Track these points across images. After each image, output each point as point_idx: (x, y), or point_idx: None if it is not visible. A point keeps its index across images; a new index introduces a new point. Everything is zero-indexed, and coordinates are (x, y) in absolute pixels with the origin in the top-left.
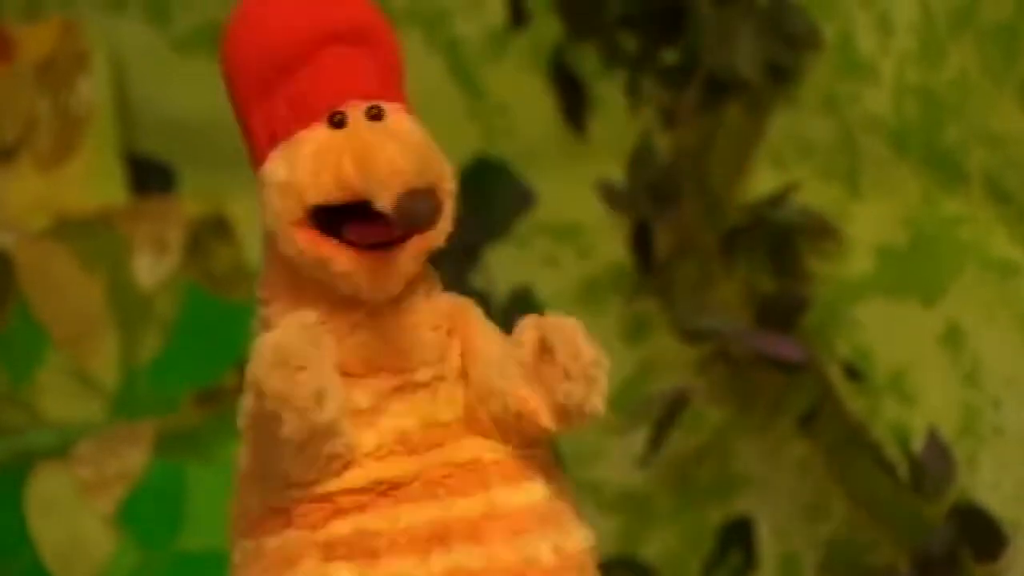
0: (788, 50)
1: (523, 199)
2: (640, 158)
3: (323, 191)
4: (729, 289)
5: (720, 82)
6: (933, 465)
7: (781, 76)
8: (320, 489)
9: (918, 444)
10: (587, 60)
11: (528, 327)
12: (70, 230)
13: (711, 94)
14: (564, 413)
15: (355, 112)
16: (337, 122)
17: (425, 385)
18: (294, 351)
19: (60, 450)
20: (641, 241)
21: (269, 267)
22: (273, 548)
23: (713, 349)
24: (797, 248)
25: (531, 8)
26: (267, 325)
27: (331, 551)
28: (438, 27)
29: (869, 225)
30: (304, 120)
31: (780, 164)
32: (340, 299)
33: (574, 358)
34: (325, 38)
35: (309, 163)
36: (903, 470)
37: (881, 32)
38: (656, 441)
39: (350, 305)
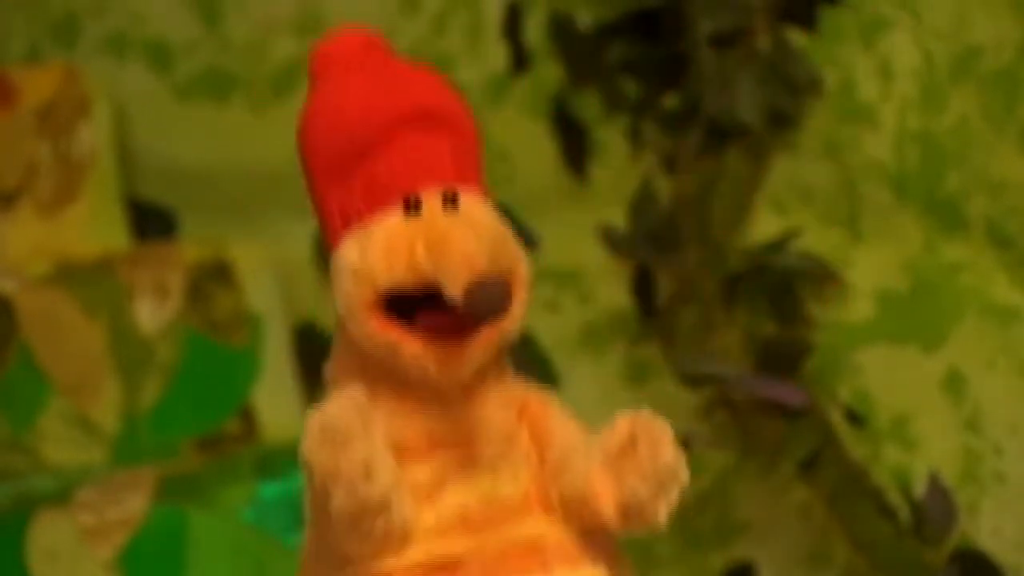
0: (789, 96)
1: (524, 244)
2: (641, 203)
3: (395, 277)
4: (730, 334)
5: (721, 128)
6: (935, 510)
7: (782, 122)
8: (377, 567)
9: (920, 489)
10: (588, 106)
11: (622, 419)
12: (71, 276)
13: (712, 140)
14: (626, 511)
15: (430, 198)
16: (412, 208)
17: (488, 463)
18: (341, 425)
19: (61, 496)
20: (642, 286)
21: (338, 349)
22: None
23: (714, 394)
24: (798, 294)
25: (532, 54)
26: None
27: None
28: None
29: (870, 271)
30: (379, 204)
31: (781, 210)
32: (408, 381)
33: (652, 457)
34: (403, 122)
35: (382, 248)
36: (904, 515)
37: (882, 78)
38: None
39: (418, 386)
